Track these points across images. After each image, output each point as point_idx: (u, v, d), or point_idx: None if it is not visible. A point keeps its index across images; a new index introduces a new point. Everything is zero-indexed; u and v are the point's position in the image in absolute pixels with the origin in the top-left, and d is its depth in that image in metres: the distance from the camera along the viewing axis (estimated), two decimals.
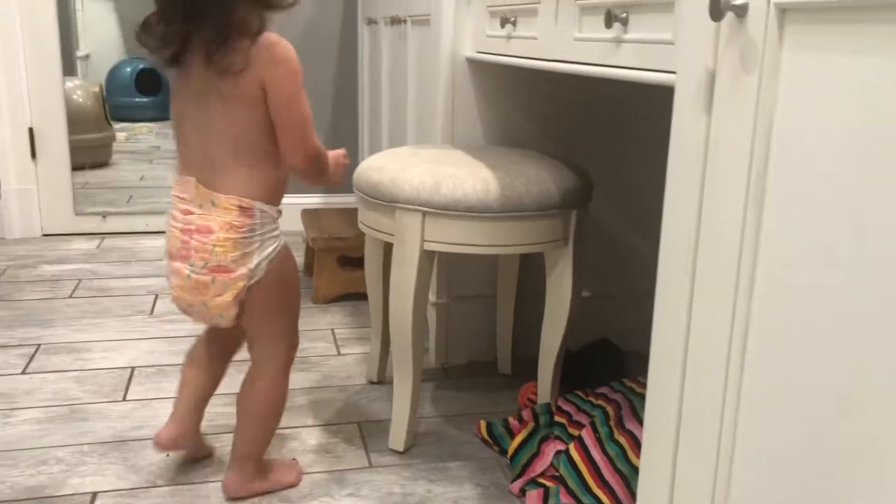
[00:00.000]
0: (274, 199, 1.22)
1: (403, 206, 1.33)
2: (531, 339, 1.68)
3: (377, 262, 1.58)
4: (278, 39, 1.15)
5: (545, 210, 1.35)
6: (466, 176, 1.32)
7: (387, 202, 1.35)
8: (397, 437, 1.44)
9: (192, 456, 1.41)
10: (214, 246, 1.17)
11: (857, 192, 0.57)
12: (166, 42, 1.16)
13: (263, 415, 1.29)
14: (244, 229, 1.18)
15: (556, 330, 1.48)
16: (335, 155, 1.30)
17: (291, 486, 1.33)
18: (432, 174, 1.33)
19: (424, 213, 1.32)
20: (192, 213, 1.19)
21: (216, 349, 1.36)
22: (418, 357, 1.40)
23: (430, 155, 1.45)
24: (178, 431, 1.34)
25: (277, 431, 1.35)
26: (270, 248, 1.21)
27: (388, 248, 1.51)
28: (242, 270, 1.18)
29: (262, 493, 1.30)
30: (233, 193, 1.17)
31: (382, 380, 1.71)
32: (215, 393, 1.39)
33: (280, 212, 1.24)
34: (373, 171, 1.39)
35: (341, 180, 1.31)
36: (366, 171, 1.41)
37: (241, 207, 1.17)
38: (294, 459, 1.40)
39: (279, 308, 1.26)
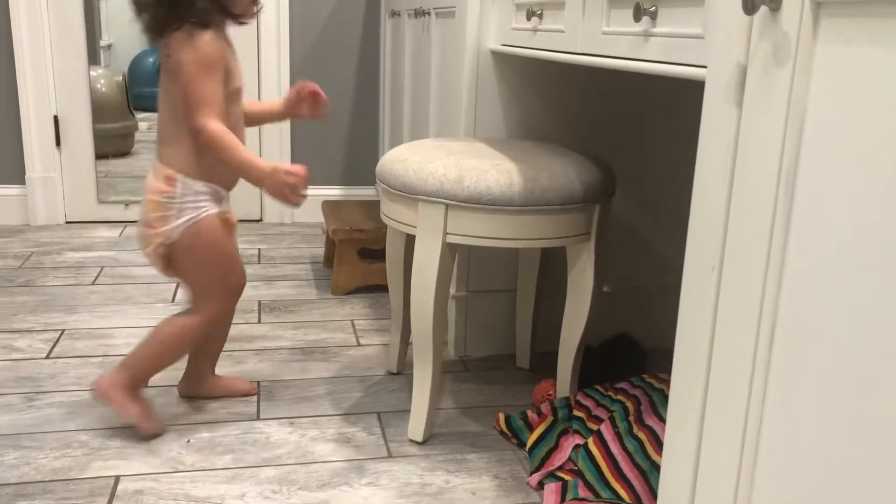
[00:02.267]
0: (202, 173, 1.39)
1: (426, 198, 1.33)
2: (551, 334, 1.69)
3: (399, 255, 1.58)
4: (201, 32, 1.33)
5: (568, 204, 1.34)
6: (490, 169, 1.32)
7: (409, 194, 1.35)
8: (416, 427, 1.44)
9: (233, 396, 1.60)
10: (146, 204, 1.41)
11: (891, 188, 0.56)
12: (148, 26, 1.39)
13: (161, 341, 1.46)
14: (164, 195, 1.39)
15: (576, 325, 1.48)
16: (276, 169, 1.30)
17: (137, 426, 1.43)
18: (456, 167, 1.33)
19: (447, 206, 1.32)
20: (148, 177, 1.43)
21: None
22: (438, 349, 1.40)
23: (453, 147, 1.45)
24: (188, 382, 1.59)
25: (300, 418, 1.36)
26: (186, 217, 1.39)
27: (410, 241, 1.51)
28: (160, 229, 1.39)
29: (114, 406, 1.43)
30: (165, 164, 1.40)
31: (402, 371, 1.72)
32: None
33: (215, 187, 1.41)
34: (396, 163, 1.39)
35: (288, 198, 1.31)
36: (389, 162, 1.41)
37: (166, 177, 1.39)
38: (160, 421, 1.47)
39: (193, 269, 1.44)
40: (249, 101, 1.54)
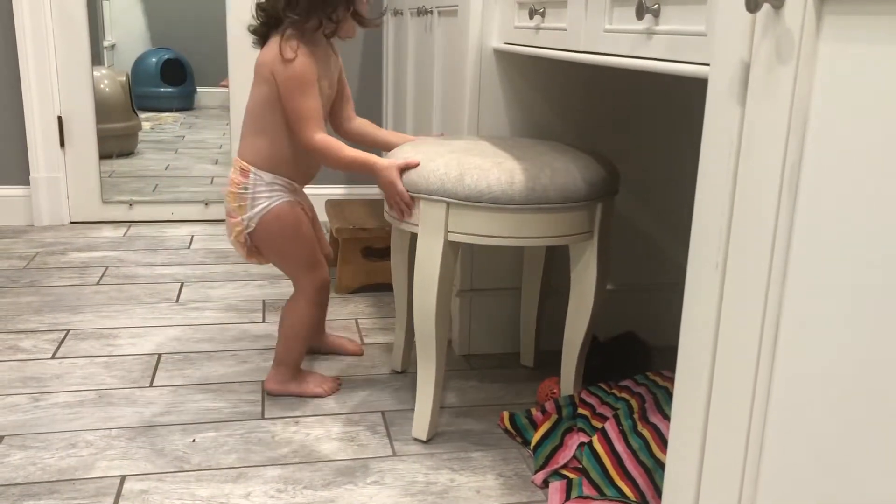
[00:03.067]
0: (273, 167, 1.52)
1: (427, 196, 1.33)
2: (555, 332, 1.68)
3: (403, 253, 1.59)
4: (294, 47, 1.44)
5: (570, 202, 1.34)
6: (491, 167, 1.32)
7: (411, 192, 1.35)
8: (420, 426, 1.44)
9: (338, 353, 1.80)
10: (227, 196, 1.54)
11: (895, 185, 0.56)
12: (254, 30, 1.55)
13: (289, 329, 1.60)
14: (240, 186, 1.52)
15: (579, 323, 1.48)
16: (395, 188, 1.37)
17: (317, 395, 1.60)
18: (457, 165, 1.33)
19: (448, 204, 1.32)
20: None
21: None
22: (442, 347, 1.41)
23: (455, 145, 1.45)
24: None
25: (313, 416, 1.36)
26: (260, 207, 1.51)
27: (414, 239, 1.51)
28: (238, 219, 1.52)
29: (292, 395, 1.60)
30: (241, 157, 1.53)
31: (406, 369, 1.72)
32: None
33: (287, 180, 1.53)
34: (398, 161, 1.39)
35: (400, 195, 1.37)
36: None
37: (241, 169, 1.52)
38: (335, 378, 1.66)
39: (277, 253, 1.57)
40: (369, 124, 1.68)
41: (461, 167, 1.32)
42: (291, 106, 1.45)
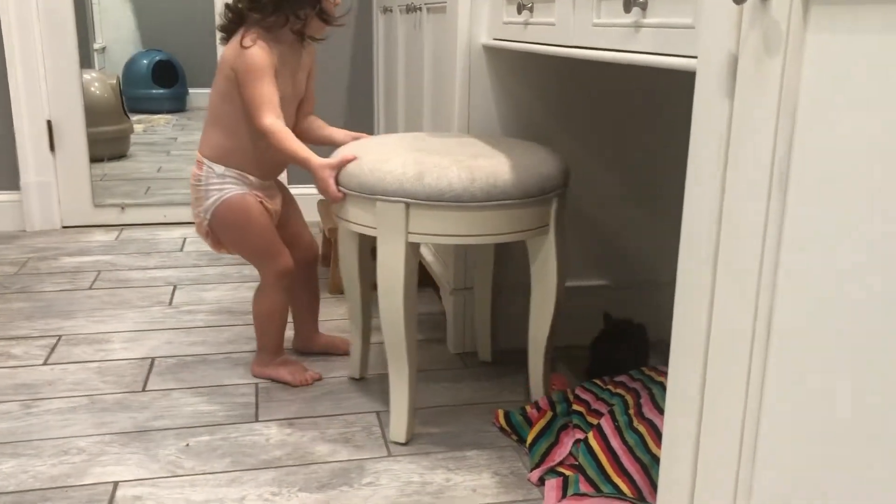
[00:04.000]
0: (225, 159, 1.56)
1: (385, 198, 1.30)
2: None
3: (354, 257, 1.53)
4: (250, 42, 1.48)
5: (529, 198, 1.34)
6: (450, 165, 1.30)
7: (367, 194, 1.32)
8: (398, 429, 1.43)
9: (331, 353, 1.79)
10: (190, 188, 1.60)
11: (884, 176, 0.56)
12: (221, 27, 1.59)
13: (258, 317, 1.66)
14: (196, 179, 1.58)
15: (543, 320, 1.48)
16: (326, 186, 1.39)
17: (287, 383, 1.65)
18: (414, 164, 1.30)
19: (408, 205, 1.30)
20: None
21: (297, 270, 1.67)
22: (412, 349, 1.39)
23: (405, 144, 1.43)
24: (297, 339, 1.81)
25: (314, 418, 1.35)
26: (212, 199, 1.56)
27: (363, 241, 1.50)
28: (197, 210, 1.59)
29: (269, 378, 1.67)
30: (199, 150, 1.59)
31: (364, 376, 1.69)
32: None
33: (240, 173, 1.56)
34: (350, 163, 1.37)
35: (330, 194, 1.39)
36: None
37: (197, 161, 1.59)
38: (314, 373, 1.68)
39: (235, 243, 1.62)
40: (319, 121, 1.69)
41: (419, 166, 1.30)
42: (247, 92, 1.48)
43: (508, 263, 1.77)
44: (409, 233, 1.31)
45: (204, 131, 1.60)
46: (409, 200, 1.29)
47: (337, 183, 1.38)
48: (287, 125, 1.51)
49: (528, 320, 1.51)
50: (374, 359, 1.79)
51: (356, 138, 1.60)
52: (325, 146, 1.64)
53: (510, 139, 1.51)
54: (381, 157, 1.34)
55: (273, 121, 1.47)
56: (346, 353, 1.79)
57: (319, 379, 1.67)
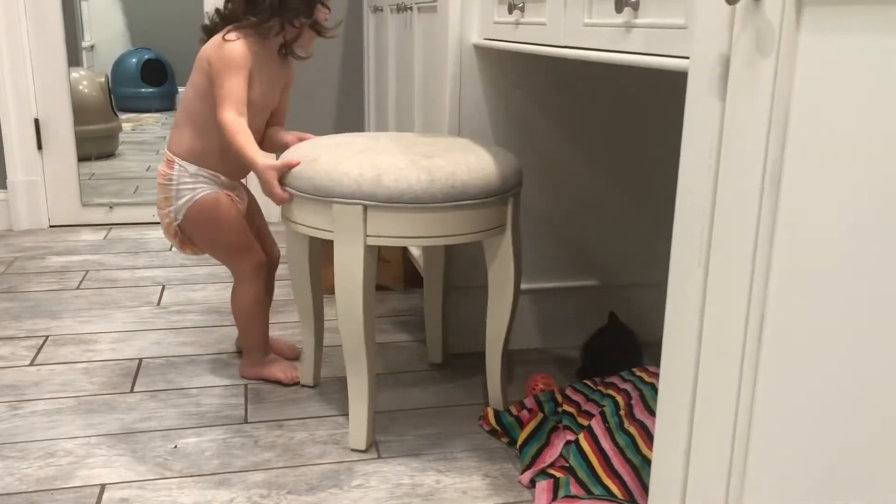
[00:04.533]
0: (198, 159, 1.54)
1: (342, 200, 1.27)
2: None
3: (303, 261, 1.49)
4: (234, 37, 1.48)
5: (488, 198, 1.33)
6: (407, 166, 1.28)
7: (322, 197, 1.29)
8: (358, 436, 1.40)
9: (281, 356, 1.74)
10: (158, 187, 1.58)
11: (877, 178, 0.55)
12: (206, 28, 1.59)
13: (239, 316, 1.65)
14: (165, 178, 1.56)
15: (501, 319, 1.48)
16: (270, 188, 1.36)
17: (279, 381, 1.64)
18: (371, 165, 1.28)
19: (366, 207, 1.27)
20: None
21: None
22: (372, 355, 1.37)
23: (357, 144, 1.40)
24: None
25: (300, 419, 1.34)
26: (185, 199, 1.54)
27: (313, 245, 1.48)
28: (166, 210, 1.56)
29: (261, 378, 1.66)
30: (169, 149, 1.57)
31: (318, 383, 1.65)
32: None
33: (212, 173, 1.55)
34: (303, 165, 1.33)
35: (274, 195, 1.37)
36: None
37: (167, 160, 1.57)
38: (294, 368, 1.66)
39: (209, 242, 1.60)
40: (280, 130, 1.65)
41: (377, 168, 1.27)
42: (217, 83, 1.47)
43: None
44: (368, 235, 1.29)
45: (175, 129, 1.58)
46: (367, 203, 1.27)
47: (282, 184, 1.36)
48: (253, 131, 1.49)
49: (485, 321, 1.50)
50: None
51: (302, 139, 1.57)
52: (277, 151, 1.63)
53: (465, 140, 1.50)
54: (336, 158, 1.31)
55: (233, 117, 1.45)
56: (289, 359, 1.74)
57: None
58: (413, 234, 1.30)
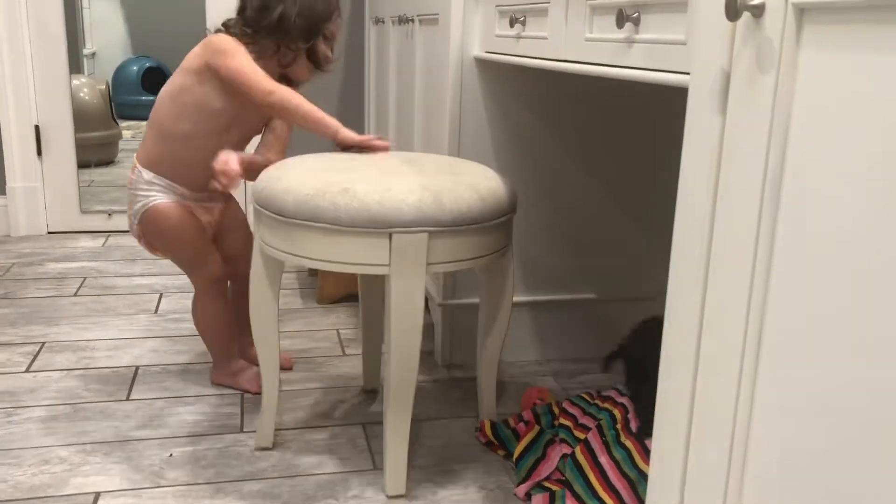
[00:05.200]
0: (153, 166, 1.53)
1: (404, 229, 1.17)
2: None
3: (271, 303, 1.33)
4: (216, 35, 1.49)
5: (511, 212, 1.32)
6: (454, 187, 1.23)
7: (378, 228, 1.16)
8: (396, 481, 1.29)
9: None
10: None
11: (878, 195, 0.56)
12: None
13: (200, 327, 1.65)
14: (128, 182, 1.57)
15: (497, 337, 1.46)
16: (354, 137, 1.39)
17: (247, 391, 1.64)
18: (422, 188, 1.19)
19: (430, 234, 1.18)
20: None
21: (232, 285, 1.70)
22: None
23: (358, 165, 1.30)
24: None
25: (285, 430, 1.34)
26: (139, 205, 1.54)
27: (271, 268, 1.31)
28: (129, 213, 1.57)
29: (224, 386, 1.66)
30: (136, 155, 1.57)
31: (271, 446, 1.43)
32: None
33: (167, 182, 1.53)
34: (335, 195, 1.18)
35: (373, 144, 1.40)
36: (299, 190, 1.20)
37: (132, 166, 1.57)
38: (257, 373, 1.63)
39: (165, 249, 1.60)
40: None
41: (432, 190, 1.19)
42: (232, 65, 1.42)
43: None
44: (430, 264, 1.20)
45: (145, 136, 1.58)
46: (431, 229, 1.18)
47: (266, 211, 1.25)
48: (221, 146, 1.44)
49: (479, 338, 1.48)
50: (360, 370, 1.78)
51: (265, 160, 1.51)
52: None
53: (460, 160, 1.46)
54: (373, 181, 1.20)
55: (276, 86, 1.40)
56: (285, 368, 1.74)
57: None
58: (470, 256, 1.25)
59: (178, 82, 1.50)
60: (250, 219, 1.54)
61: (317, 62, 1.54)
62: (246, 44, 1.48)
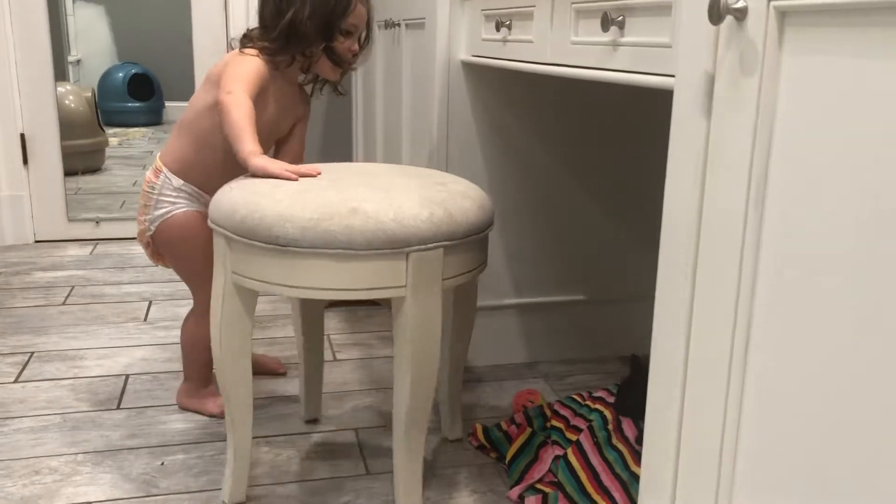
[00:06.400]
0: (186, 172, 1.48)
1: (422, 247, 1.10)
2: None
3: (245, 345, 1.21)
4: (257, 54, 1.44)
5: (492, 224, 1.26)
6: (453, 196, 1.18)
7: (396, 248, 1.08)
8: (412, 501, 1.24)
9: (263, 373, 1.74)
10: (141, 192, 1.52)
11: (860, 195, 0.56)
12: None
13: (186, 344, 1.59)
14: (149, 185, 1.50)
15: (463, 343, 1.42)
16: (266, 166, 1.23)
17: (214, 416, 1.56)
18: (428, 201, 1.13)
19: (444, 248, 1.13)
20: None
21: None
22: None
23: (345, 182, 1.20)
24: None
25: (282, 437, 1.33)
26: (162, 210, 1.48)
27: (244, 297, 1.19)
28: (143, 218, 1.51)
29: (191, 410, 1.59)
30: (160, 157, 1.52)
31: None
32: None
33: (196, 190, 1.48)
34: (344, 216, 1.08)
35: (281, 175, 1.21)
36: (375, 213, 1.09)
37: (155, 168, 1.51)
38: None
39: (176, 260, 1.53)
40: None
41: (438, 203, 1.14)
42: (224, 72, 1.39)
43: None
44: (445, 279, 1.14)
45: (171, 139, 1.51)
46: (447, 243, 1.13)
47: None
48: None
49: (443, 350, 1.38)
50: (351, 374, 1.78)
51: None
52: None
53: (435, 171, 1.38)
54: (373, 196, 1.12)
55: (238, 90, 1.34)
56: (275, 373, 1.75)
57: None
58: (475, 266, 1.21)
59: (205, 98, 1.45)
60: None
61: (338, 61, 1.49)
62: (268, 55, 1.44)
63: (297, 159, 1.56)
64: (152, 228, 1.49)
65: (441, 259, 1.12)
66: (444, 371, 1.41)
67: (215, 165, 1.45)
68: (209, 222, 1.20)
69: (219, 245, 1.19)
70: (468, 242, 1.17)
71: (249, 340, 1.22)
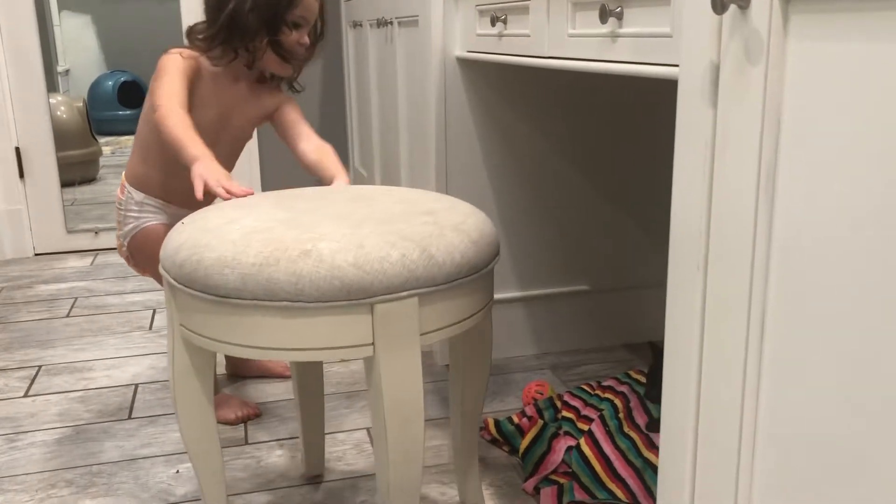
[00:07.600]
0: (144, 186, 1.49)
1: (390, 296, 0.90)
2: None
3: (205, 402, 1.05)
4: (189, 53, 1.41)
5: (493, 261, 1.04)
6: (441, 231, 0.96)
7: (357, 299, 0.88)
8: None
9: (266, 375, 1.78)
10: None
11: (871, 182, 0.57)
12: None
13: None
14: (117, 202, 1.52)
15: (479, 388, 1.18)
16: (202, 173, 1.18)
17: (227, 422, 1.57)
18: (401, 237, 0.92)
19: (419, 297, 0.93)
20: None
21: None
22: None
23: (303, 211, 1.02)
24: (228, 364, 1.80)
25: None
26: (130, 226, 1.50)
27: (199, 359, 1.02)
28: (118, 234, 1.53)
29: None
30: (125, 172, 1.53)
31: None
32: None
33: (161, 202, 1.49)
34: (295, 260, 0.88)
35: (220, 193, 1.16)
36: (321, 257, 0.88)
37: (121, 184, 1.53)
38: (253, 406, 1.61)
39: (154, 274, 1.51)
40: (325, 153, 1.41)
41: (414, 240, 0.92)
42: (150, 91, 1.37)
43: None
44: (422, 334, 0.94)
45: (131, 153, 1.53)
46: (422, 290, 0.92)
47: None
48: (230, 158, 1.42)
49: (453, 404, 1.21)
50: (360, 374, 1.78)
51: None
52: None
53: (426, 192, 1.15)
54: (335, 238, 0.91)
55: (165, 102, 1.30)
56: (281, 376, 1.77)
57: (259, 414, 1.59)
58: (467, 315, 0.99)
59: (149, 103, 1.40)
60: None
61: (284, 55, 1.40)
62: (205, 51, 1.40)
63: (306, 135, 1.45)
64: (125, 244, 1.51)
65: (416, 310, 0.91)
66: (456, 426, 1.20)
67: (167, 176, 1.44)
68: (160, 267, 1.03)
69: (166, 293, 1.02)
70: (455, 287, 0.95)
71: (210, 395, 1.05)
